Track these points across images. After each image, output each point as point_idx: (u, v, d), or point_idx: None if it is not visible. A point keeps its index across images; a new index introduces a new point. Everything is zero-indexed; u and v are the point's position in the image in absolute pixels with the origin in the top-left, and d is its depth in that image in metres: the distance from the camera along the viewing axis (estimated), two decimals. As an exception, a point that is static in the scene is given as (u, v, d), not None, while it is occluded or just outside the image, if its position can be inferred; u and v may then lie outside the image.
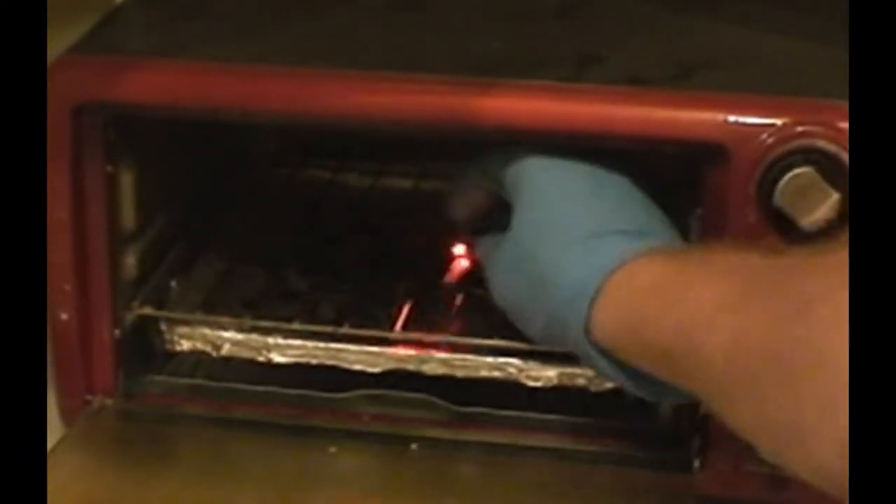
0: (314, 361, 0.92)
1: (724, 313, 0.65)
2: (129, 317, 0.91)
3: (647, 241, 0.77)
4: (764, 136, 0.78)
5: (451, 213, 0.90)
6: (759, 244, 0.75)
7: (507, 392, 0.89)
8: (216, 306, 0.95)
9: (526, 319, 0.81)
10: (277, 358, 0.92)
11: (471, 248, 0.93)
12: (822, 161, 0.77)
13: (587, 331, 0.75)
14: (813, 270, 0.62)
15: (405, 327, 0.92)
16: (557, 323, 0.77)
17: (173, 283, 0.97)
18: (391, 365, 0.91)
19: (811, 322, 0.59)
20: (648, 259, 0.74)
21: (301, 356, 0.92)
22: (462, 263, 0.97)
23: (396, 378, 0.91)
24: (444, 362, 0.90)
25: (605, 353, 0.75)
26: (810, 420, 0.58)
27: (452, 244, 0.98)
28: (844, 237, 0.58)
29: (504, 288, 0.82)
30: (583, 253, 0.77)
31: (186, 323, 0.93)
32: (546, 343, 0.81)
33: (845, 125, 0.76)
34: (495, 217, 0.85)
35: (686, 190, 0.83)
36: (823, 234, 0.77)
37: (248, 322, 0.93)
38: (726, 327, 0.65)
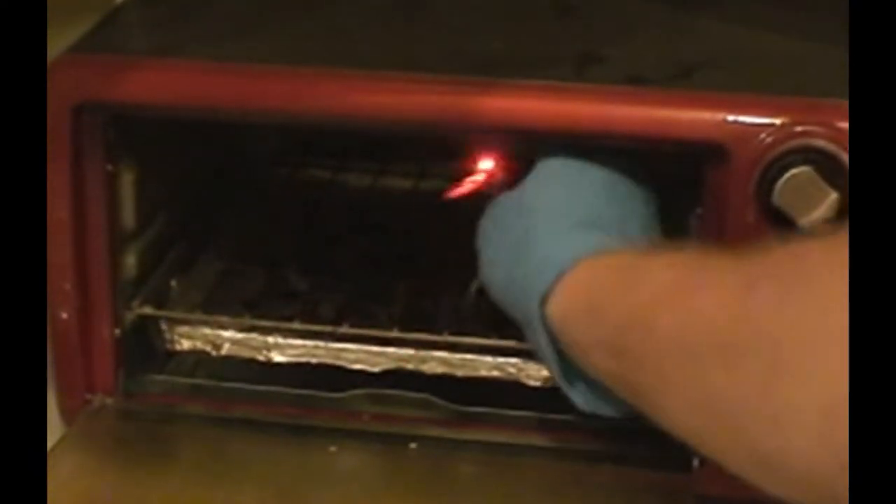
0: (314, 361, 0.92)
1: (675, 295, 0.66)
2: (130, 316, 0.91)
3: (627, 240, 0.78)
4: (763, 135, 0.78)
5: None
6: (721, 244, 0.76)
7: (507, 391, 0.89)
8: (216, 306, 0.95)
9: (490, 273, 0.83)
10: (277, 357, 0.92)
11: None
12: (820, 160, 0.77)
13: (542, 302, 0.76)
14: (763, 258, 0.62)
15: (405, 327, 0.92)
16: (517, 286, 0.78)
17: (173, 283, 0.97)
18: (391, 364, 0.91)
19: (753, 301, 0.59)
20: (621, 250, 0.76)
21: (301, 356, 0.92)
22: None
23: (396, 377, 0.91)
24: (443, 361, 0.90)
25: (550, 333, 0.76)
26: (747, 402, 0.58)
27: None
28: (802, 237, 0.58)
29: (488, 234, 0.83)
30: (567, 236, 0.78)
31: (186, 322, 0.93)
32: (499, 303, 0.82)
33: (844, 125, 0.76)
34: None
35: (686, 189, 0.83)
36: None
37: (248, 321, 0.93)
38: (676, 307, 0.65)
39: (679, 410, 0.65)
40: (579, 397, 0.79)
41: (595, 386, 0.76)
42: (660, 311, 0.66)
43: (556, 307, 0.75)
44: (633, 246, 0.77)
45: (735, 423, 0.60)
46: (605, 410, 0.79)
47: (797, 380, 0.55)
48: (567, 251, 0.76)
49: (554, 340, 0.76)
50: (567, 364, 0.77)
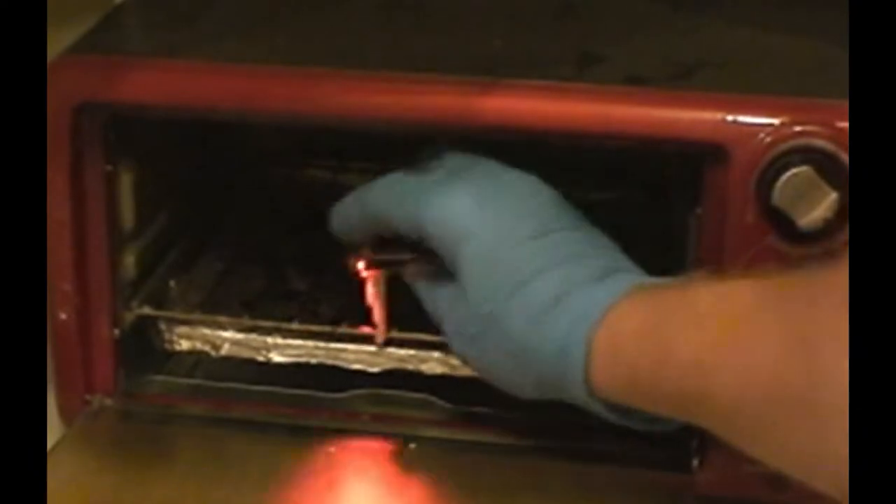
0: (313, 361, 0.92)
1: (721, 354, 0.64)
2: (129, 316, 0.91)
3: (617, 281, 0.75)
4: (762, 135, 0.78)
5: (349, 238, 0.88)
6: (727, 273, 0.75)
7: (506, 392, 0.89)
8: (216, 306, 0.95)
9: (516, 387, 0.80)
10: (277, 358, 0.92)
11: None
12: (820, 160, 0.77)
13: (587, 386, 0.74)
14: (807, 298, 0.61)
15: (404, 327, 0.92)
16: (551, 387, 0.76)
17: (173, 283, 0.97)
18: (390, 364, 0.91)
19: (816, 355, 0.58)
20: (628, 304, 0.73)
21: (300, 356, 0.92)
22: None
23: (396, 378, 0.91)
24: (443, 362, 0.90)
25: (611, 406, 0.74)
26: (837, 449, 0.57)
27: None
28: (839, 257, 0.57)
29: (480, 363, 0.81)
30: (555, 313, 0.75)
31: (186, 323, 0.93)
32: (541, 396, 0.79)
33: (843, 124, 0.76)
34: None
35: (685, 190, 0.83)
36: (821, 233, 0.77)
37: (248, 322, 0.93)
38: (727, 368, 0.64)
39: (765, 457, 0.65)
40: (662, 426, 0.76)
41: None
42: (711, 376, 0.64)
43: (603, 392, 0.73)
44: (633, 293, 0.73)
45: (830, 469, 0.59)
46: (639, 426, 0.77)
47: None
48: (568, 326, 0.73)
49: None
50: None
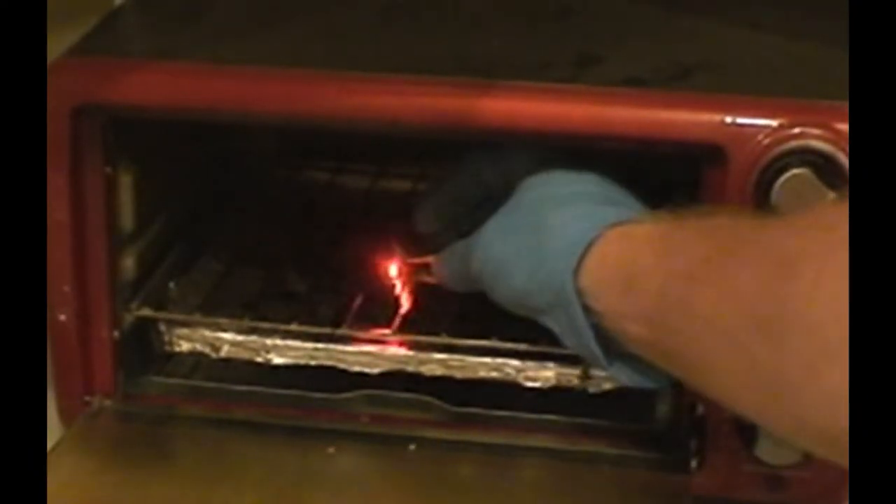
0: (313, 362, 0.92)
1: (710, 269, 0.66)
2: (129, 318, 0.91)
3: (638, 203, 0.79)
4: (760, 136, 0.78)
5: (421, 223, 0.91)
6: (744, 209, 0.77)
7: (506, 392, 0.89)
8: (215, 307, 0.95)
9: (507, 272, 0.79)
10: (276, 359, 0.92)
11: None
12: (818, 162, 0.77)
13: (574, 276, 0.75)
14: (795, 231, 0.62)
15: (403, 328, 0.92)
16: (543, 271, 0.77)
17: (172, 285, 0.97)
18: (390, 366, 0.91)
19: (794, 282, 0.59)
20: (643, 219, 0.76)
21: (300, 357, 0.92)
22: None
23: (395, 379, 0.91)
24: (442, 363, 0.90)
25: (584, 307, 0.75)
26: (795, 378, 0.59)
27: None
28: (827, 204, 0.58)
29: (489, 243, 0.81)
30: (585, 213, 0.77)
31: (185, 324, 0.94)
32: (518, 300, 0.80)
33: (842, 126, 0.77)
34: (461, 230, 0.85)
35: (684, 190, 0.83)
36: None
37: (247, 323, 0.93)
38: (712, 283, 0.65)
39: (721, 382, 0.66)
40: (621, 373, 0.77)
41: (635, 360, 0.75)
42: (696, 288, 0.66)
43: (588, 278, 0.75)
44: (657, 216, 0.76)
45: (783, 397, 0.60)
46: (648, 383, 0.78)
47: (846, 366, 0.55)
48: (591, 224, 0.76)
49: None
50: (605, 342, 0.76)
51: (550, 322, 0.78)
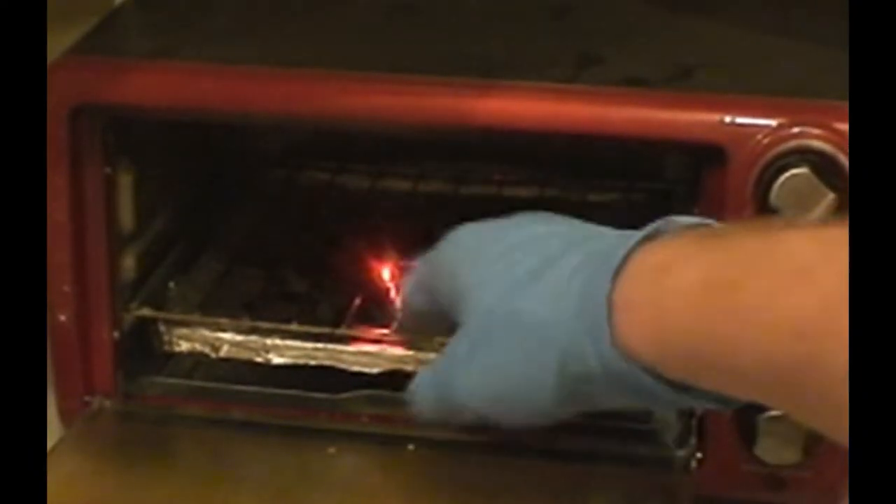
0: (313, 362, 0.92)
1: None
2: (128, 318, 0.91)
3: (632, 237, 0.64)
4: (760, 136, 0.78)
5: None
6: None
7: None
8: (215, 307, 0.95)
9: (522, 406, 0.69)
10: (276, 359, 0.92)
11: None
12: (817, 161, 0.77)
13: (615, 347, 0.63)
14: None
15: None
16: (573, 359, 0.65)
17: (172, 285, 0.97)
18: (389, 365, 0.91)
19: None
20: (661, 243, 0.64)
21: (300, 357, 0.92)
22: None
23: (395, 379, 0.91)
24: (442, 363, 0.90)
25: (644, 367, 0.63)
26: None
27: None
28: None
29: (473, 393, 0.71)
30: (565, 287, 0.66)
31: (185, 324, 0.94)
32: (555, 415, 0.69)
33: (841, 126, 0.77)
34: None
35: (684, 190, 0.83)
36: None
37: (247, 323, 0.93)
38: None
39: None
40: (701, 399, 0.64)
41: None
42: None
43: (633, 343, 0.63)
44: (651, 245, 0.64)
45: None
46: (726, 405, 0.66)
47: None
48: (582, 291, 0.64)
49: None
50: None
51: (607, 404, 0.68)
